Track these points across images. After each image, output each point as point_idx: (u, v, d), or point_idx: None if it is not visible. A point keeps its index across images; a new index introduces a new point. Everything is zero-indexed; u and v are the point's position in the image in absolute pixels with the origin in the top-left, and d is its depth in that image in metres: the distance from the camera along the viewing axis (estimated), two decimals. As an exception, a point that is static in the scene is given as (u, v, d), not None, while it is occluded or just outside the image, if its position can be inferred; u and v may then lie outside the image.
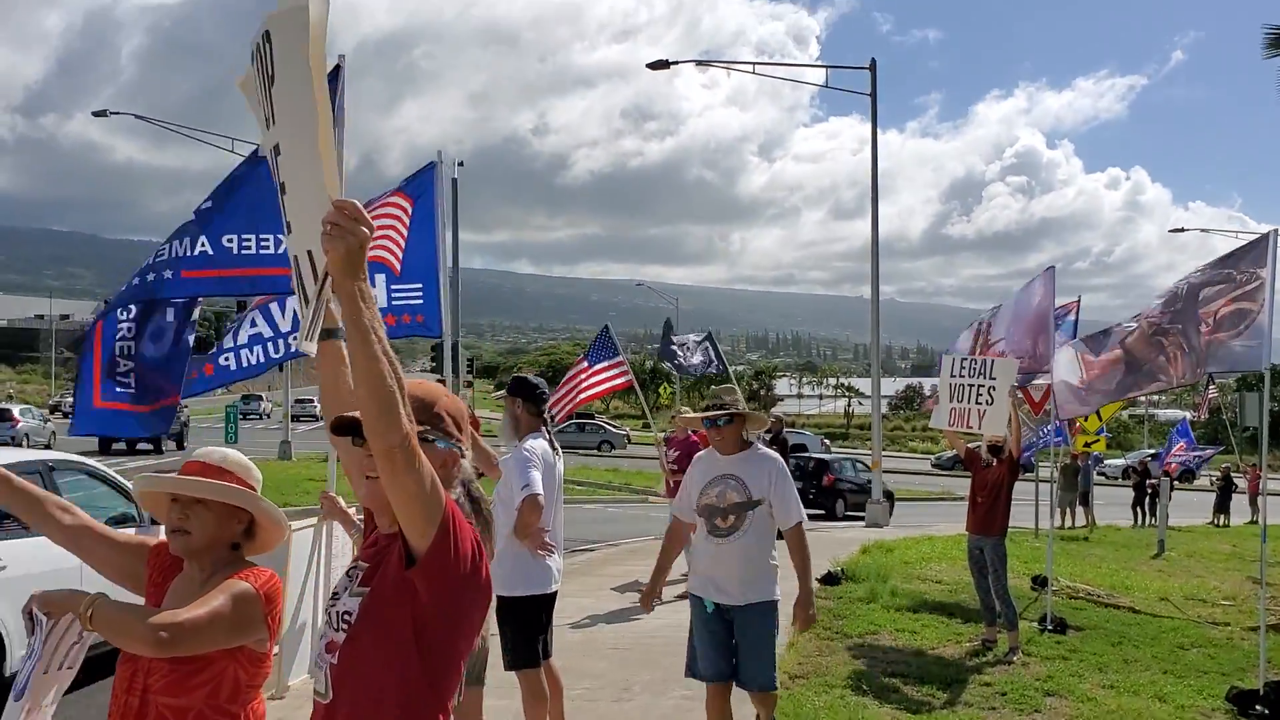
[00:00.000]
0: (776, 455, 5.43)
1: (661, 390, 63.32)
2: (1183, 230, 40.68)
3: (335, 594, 2.34)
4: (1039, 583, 12.09)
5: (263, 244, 4.99)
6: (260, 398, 73.01)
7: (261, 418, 68.03)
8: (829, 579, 11.69)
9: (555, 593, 5.64)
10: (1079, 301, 12.00)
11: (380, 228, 6.24)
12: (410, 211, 6.31)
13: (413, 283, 6.28)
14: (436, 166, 6.46)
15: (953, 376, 9.69)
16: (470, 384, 40.75)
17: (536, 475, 5.38)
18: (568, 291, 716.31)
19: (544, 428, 5.73)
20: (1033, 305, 9.97)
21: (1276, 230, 7.43)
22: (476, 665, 4.64)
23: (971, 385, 9.72)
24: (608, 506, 24.39)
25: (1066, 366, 9.63)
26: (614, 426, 57.02)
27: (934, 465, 52.33)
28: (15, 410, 39.81)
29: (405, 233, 6.28)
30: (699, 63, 25.17)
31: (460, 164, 41.12)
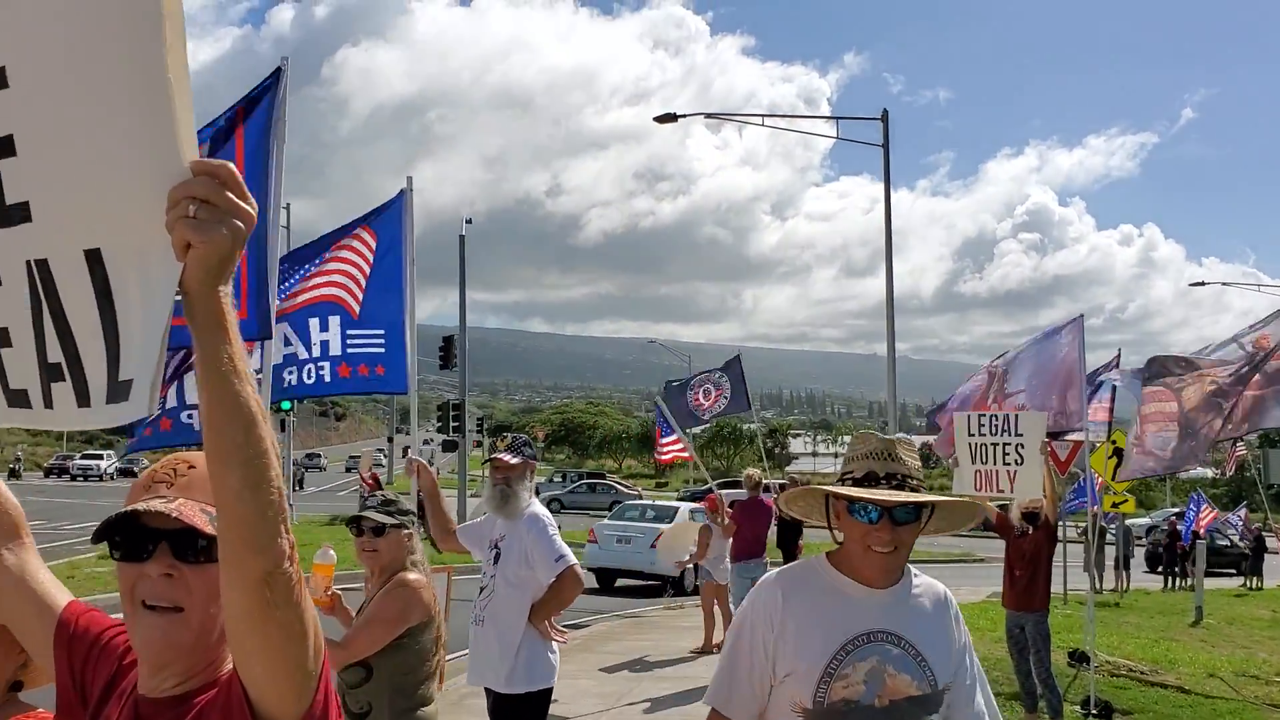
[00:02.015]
0: (941, 586, 2.71)
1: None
2: (1203, 284, 39.98)
3: None
4: (1077, 658, 11.16)
5: None
6: (319, 454, 76.44)
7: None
8: (849, 656, 10.81)
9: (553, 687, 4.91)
10: (1119, 355, 11.15)
11: (340, 260, 5.52)
12: (374, 248, 5.58)
13: (373, 329, 5.53)
14: (406, 195, 5.71)
15: (971, 435, 8.88)
16: (479, 443, 39.88)
17: (564, 544, 4.74)
18: (581, 350, 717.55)
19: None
20: (1059, 357, 9.16)
21: None
22: None
23: (995, 444, 8.92)
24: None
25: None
26: (625, 486, 55.99)
27: (953, 525, 50.99)
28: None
29: (368, 271, 5.54)
30: (707, 115, 24.65)
31: (469, 221, 40.83)
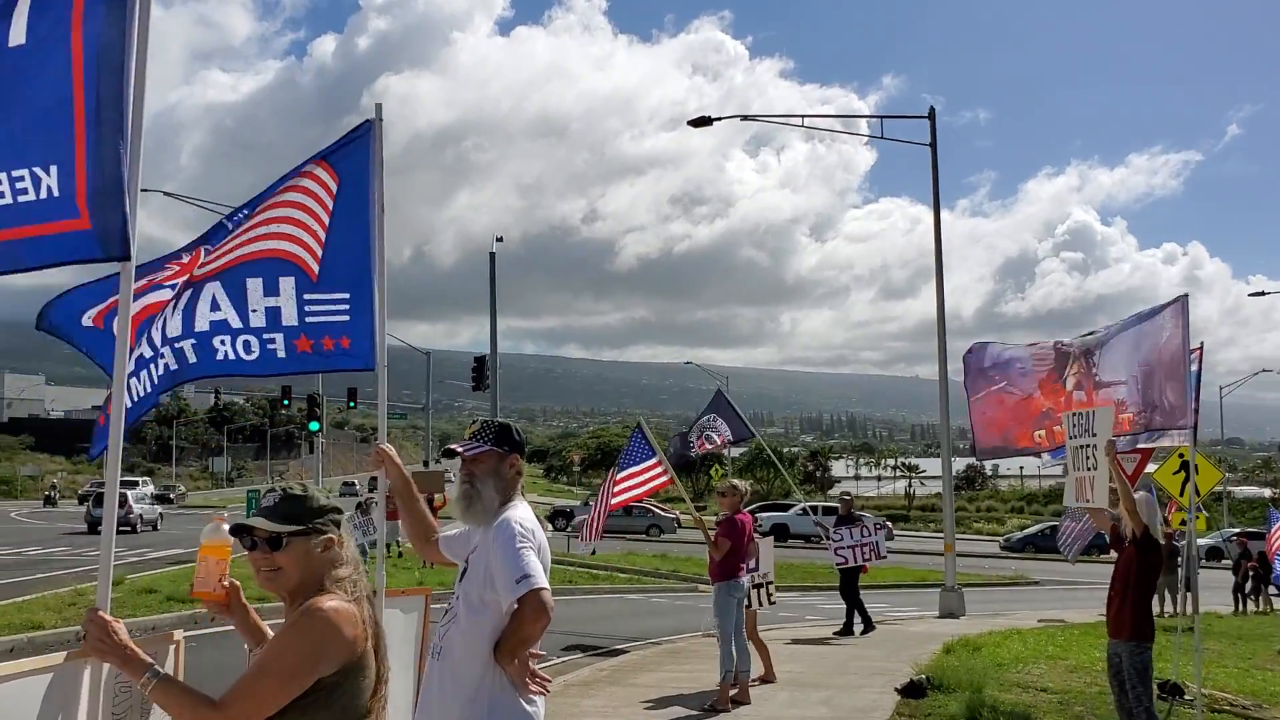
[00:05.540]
0: None
1: (713, 472, 61.17)
2: (1263, 294, 38.37)
3: None
4: (1168, 690, 9.87)
5: (19, 185, 2.91)
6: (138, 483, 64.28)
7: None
8: (912, 689, 9.58)
9: None
10: (1202, 349, 9.88)
11: (289, 205, 4.39)
12: (335, 192, 4.50)
13: (335, 292, 4.42)
14: (374, 125, 4.61)
15: (1071, 439, 7.77)
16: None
17: (537, 561, 3.50)
18: (618, 375, 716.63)
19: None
20: (1159, 344, 7.93)
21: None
22: None
23: (1083, 447, 7.81)
24: (652, 596, 22.32)
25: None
26: (663, 510, 54.74)
27: (1003, 547, 49.38)
28: (130, 495, 42.80)
29: (327, 222, 4.46)
30: (743, 117, 23.71)
31: (499, 239, 40.08)
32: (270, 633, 3.03)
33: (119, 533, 39.97)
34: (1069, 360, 8.54)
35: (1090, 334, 8.68)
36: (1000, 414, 9.25)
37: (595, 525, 12.30)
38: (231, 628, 3.07)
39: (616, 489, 11.51)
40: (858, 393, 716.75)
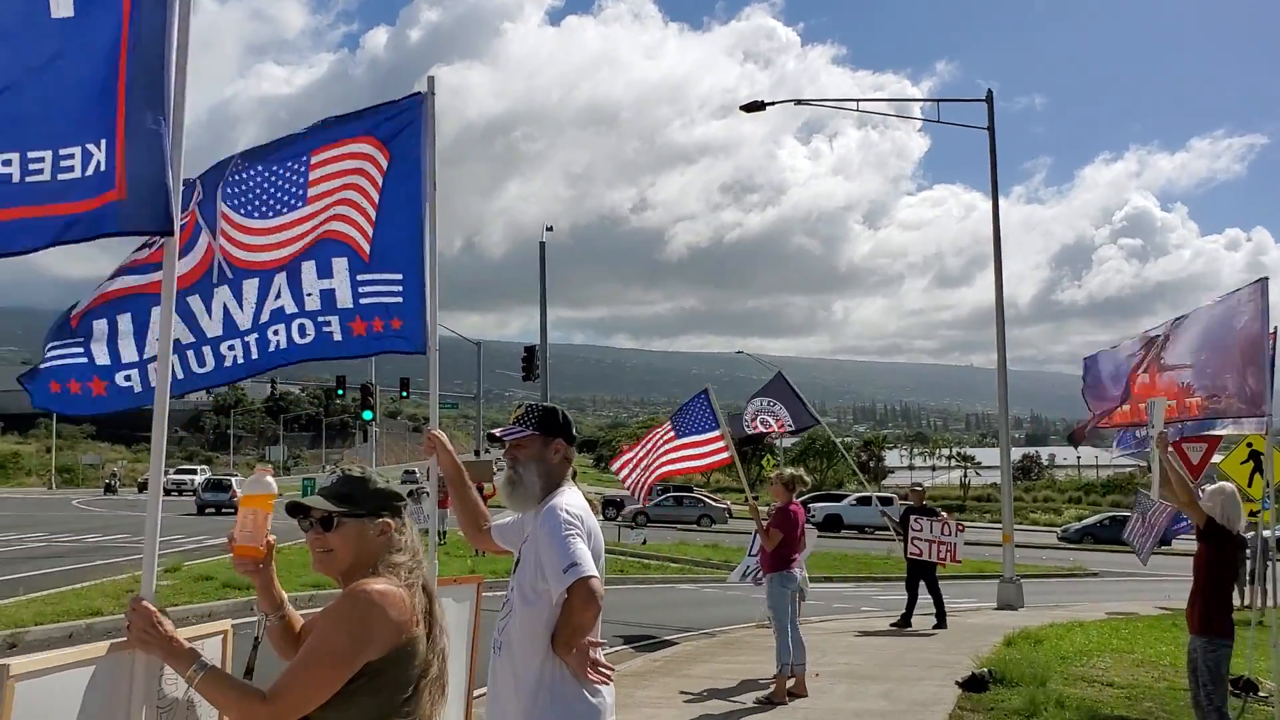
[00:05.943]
0: None
1: (765, 462, 60.91)
2: (1333, 279, 37.27)
3: None
4: (1242, 687, 9.55)
5: (65, 163, 2.75)
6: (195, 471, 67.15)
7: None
8: (974, 683, 9.35)
9: None
10: (1277, 333, 9.49)
11: (342, 187, 4.29)
12: (385, 169, 4.31)
13: (389, 272, 4.28)
14: (425, 99, 4.49)
15: (1151, 429, 7.62)
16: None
17: (585, 548, 3.37)
18: (668, 365, 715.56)
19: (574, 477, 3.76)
20: (1237, 327, 7.64)
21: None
22: None
23: (1149, 437, 7.62)
24: (703, 587, 22.17)
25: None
26: (715, 500, 54.58)
27: (1060, 538, 48.63)
28: (234, 481, 43.82)
29: (378, 200, 4.36)
30: (798, 102, 23.43)
31: (549, 228, 40.05)
32: (287, 601, 2.97)
33: (222, 514, 41.18)
34: (1150, 348, 8.31)
35: (1179, 319, 8.41)
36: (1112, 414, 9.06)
37: (643, 478, 11.93)
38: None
39: (673, 453, 11.32)
40: (912, 382, 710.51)
